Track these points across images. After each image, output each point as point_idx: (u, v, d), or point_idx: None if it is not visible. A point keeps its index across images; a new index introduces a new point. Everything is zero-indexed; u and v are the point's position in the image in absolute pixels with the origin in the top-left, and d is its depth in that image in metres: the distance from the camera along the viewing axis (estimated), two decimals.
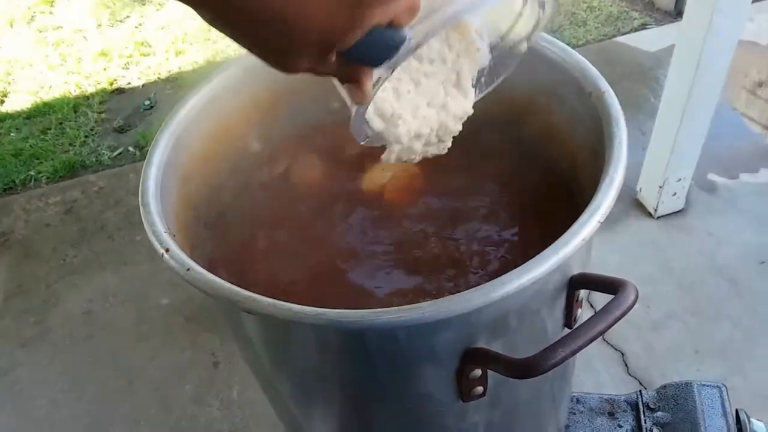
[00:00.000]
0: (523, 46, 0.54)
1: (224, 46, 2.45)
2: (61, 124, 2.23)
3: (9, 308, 1.62)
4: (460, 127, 0.56)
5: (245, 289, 0.46)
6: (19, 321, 1.58)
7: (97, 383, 1.43)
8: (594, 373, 1.35)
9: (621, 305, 0.44)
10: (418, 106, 0.53)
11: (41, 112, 2.28)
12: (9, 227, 1.85)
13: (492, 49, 0.55)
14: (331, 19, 0.34)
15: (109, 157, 2.06)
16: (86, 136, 2.16)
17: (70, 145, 2.13)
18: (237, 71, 0.71)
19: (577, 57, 0.64)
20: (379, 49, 0.38)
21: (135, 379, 1.43)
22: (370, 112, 0.51)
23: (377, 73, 0.40)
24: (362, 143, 0.51)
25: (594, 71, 0.61)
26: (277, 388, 0.63)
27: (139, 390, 1.41)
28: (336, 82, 0.42)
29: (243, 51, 0.37)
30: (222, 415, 1.35)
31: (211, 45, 2.50)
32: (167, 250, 0.49)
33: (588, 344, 0.43)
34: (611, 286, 0.46)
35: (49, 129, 2.21)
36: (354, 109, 0.45)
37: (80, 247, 1.77)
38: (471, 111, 0.56)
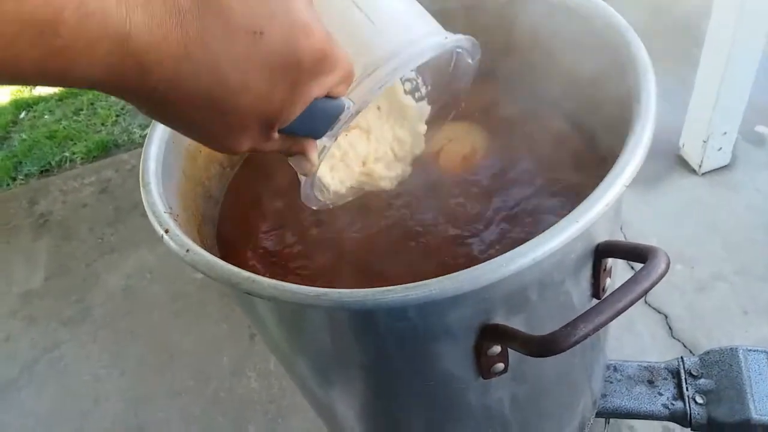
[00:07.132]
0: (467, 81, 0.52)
1: None
2: (92, 104, 2.25)
3: (51, 288, 1.66)
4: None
5: (256, 265, 0.43)
6: (61, 300, 1.62)
7: (137, 358, 1.46)
8: (636, 336, 1.31)
9: (650, 275, 0.40)
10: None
11: (73, 93, 2.30)
12: (47, 209, 1.88)
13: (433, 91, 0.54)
14: (269, 98, 0.33)
15: (140, 136, 2.08)
16: (117, 116, 2.18)
17: (102, 124, 2.16)
18: None
19: (602, 4, 0.58)
20: (320, 121, 0.38)
21: (174, 352, 1.45)
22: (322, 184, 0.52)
23: (321, 143, 0.41)
24: (315, 208, 0.52)
25: (620, 20, 0.56)
26: (295, 369, 0.62)
27: (178, 363, 1.43)
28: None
29: None
30: (260, 386, 1.36)
31: None
32: (167, 231, 0.47)
33: (614, 318, 0.39)
34: (639, 254, 0.42)
35: (82, 110, 2.23)
36: (302, 180, 0.46)
37: (116, 225, 1.79)
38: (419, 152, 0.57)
